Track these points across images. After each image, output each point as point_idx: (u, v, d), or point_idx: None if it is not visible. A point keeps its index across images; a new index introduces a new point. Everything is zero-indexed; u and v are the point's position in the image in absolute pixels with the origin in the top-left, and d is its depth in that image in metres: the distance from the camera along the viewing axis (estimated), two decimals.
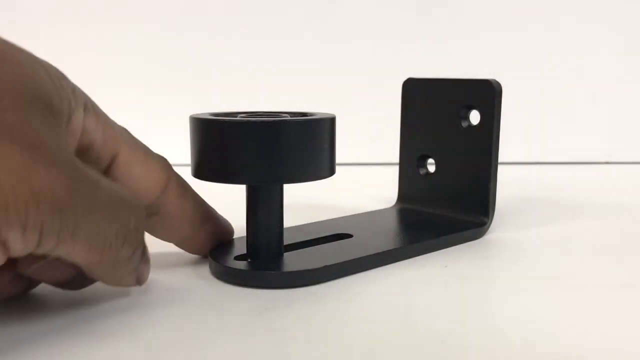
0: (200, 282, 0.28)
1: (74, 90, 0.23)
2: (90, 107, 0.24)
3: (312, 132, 0.27)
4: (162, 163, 0.27)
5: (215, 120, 0.27)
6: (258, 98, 0.64)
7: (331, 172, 0.29)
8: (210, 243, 0.30)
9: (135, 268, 0.24)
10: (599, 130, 0.67)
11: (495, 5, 0.65)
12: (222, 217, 0.31)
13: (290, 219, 0.32)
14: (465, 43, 0.65)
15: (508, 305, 0.26)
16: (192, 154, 0.28)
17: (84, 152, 0.24)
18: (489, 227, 0.36)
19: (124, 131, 0.26)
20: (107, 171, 0.25)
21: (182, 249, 0.30)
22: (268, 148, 0.26)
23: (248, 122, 0.26)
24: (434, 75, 0.38)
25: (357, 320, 0.24)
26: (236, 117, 0.28)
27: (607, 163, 0.67)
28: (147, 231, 0.26)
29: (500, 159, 0.36)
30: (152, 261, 0.25)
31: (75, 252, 0.20)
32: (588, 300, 0.26)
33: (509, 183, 0.46)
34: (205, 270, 0.29)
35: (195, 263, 0.30)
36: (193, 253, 0.31)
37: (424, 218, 0.37)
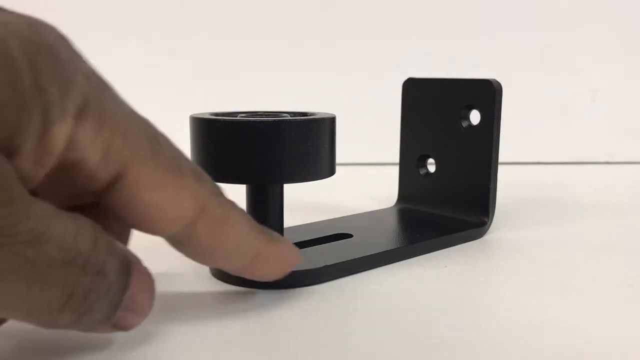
0: (199, 282, 0.28)
1: (69, 86, 0.17)
2: (92, 112, 0.17)
3: (312, 132, 0.27)
4: (195, 188, 0.20)
5: (215, 120, 0.27)
6: (258, 98, 0.64)
7: (331, 172, 0.29)
8: (270, 273, 0.24)
9: (105, 317, 0.18)
10: (599, 130, 0.67)
11: (495, 5, 0.65)
12: (283, 242, 0.24)
13: (290, 219, 0.32)
14: (465, 43, 0.65)
15: (508, 305, 0.26)
16: (192, 154, 0.28)
17: (70, 169, 0.18)
18: (489, 227, 0.36)
19: (148, 141, 0.19)
20: (107, 191, 0.19)
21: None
22: (268, 148, 0.26)
23: (248, 122, 0.26)
24: (434, 75, 0.38)
25: (357, 320, 0.24)
26: (236, 117, 0.28)
27: (607, 163, 0.67)
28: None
29: (500, 159, 0.36)
30: (151, 262, 0.25)
31: None
32: (588, 300, 0.26)
33: (509, 183, 0.46)
34: (205, 270, 0.29)
35: (195, 263, 0.30)
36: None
37: (424, 218, 0.37)
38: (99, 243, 0.18)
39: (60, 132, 0.17)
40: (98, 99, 0.18)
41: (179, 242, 0.21)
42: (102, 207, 0.19)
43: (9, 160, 0.16)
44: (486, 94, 0.35)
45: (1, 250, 0.15)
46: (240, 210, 0.22)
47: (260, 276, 0.24)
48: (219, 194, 0.21)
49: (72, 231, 0.17)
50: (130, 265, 0.19)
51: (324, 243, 0.32)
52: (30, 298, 0.16)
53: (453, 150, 0.37)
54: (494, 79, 0.35)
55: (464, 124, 0.37)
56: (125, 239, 0.22)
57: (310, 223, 0.36)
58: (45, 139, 0.16)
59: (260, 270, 0.23)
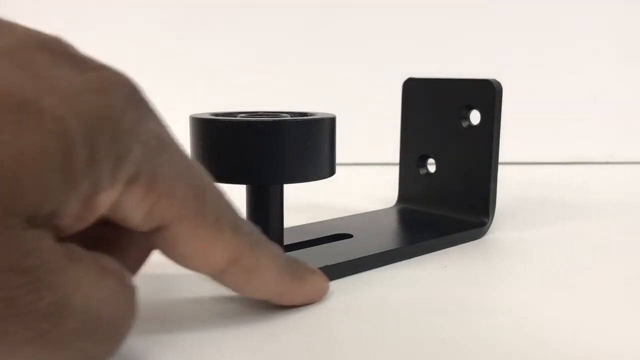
0: (200, 282, 0.28)
1: (124, 158, 0.17)
2: (143, 179, 0.18)
3: (312, 132, 0.27)
4: (231, 242, 0.21)
5: (215, 120, 0.27)
6: (258, 98, 0.64)
7: (331, 172, 0.29)
8: (296, 304, 0.25)
9: None
10: (600, 130, 0.67)
11: (495, 5, 0.65)
12: (311, 279, 0.25)
13: (290, 219, 0.32)
14: (465, 43, 0.65)
15: (508, 305, 0.26)
16: (192, 154, 0.28)
17: (112, 222, 0.19)
18: (489, 227, 0.36)
19: (193, 201, 0.20)
20: (146, 234, 0.20)
21: None
22: (268, 148, 0.26)
23: (248, 122, 0.26)
24: (434, 75, 0.38)
25: (357, 320, 0.24)
26: (236, 117, 0.28)
27: (607, 163, 0.67)
28: None
29: (500, 159, 0.36)
30: (151, 261, 0.25)
31: None
32: (588, 300, 0.26)
33: (509, 183, 0.46)
34: None
35: None
36: None
37: (424, 218, 0.37)
38: (126, 304, 0.18)
39: (107, 198, 0.17)
40: (152, 165, 0.18)
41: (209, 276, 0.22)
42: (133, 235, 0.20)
43: (50, 220, 0.16)
44: (486, 94, 0.35)
45: (16, 323, 0.15)
46: (273, 256, 0.23)
47: (287, 305, 0.25)
48: (255, 243, 0.22)
49: (96, 298, 0.17)
50: None
51: (324, 243, 0.32)
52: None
53: (453, 150, 0.37)
54: (494, 79, 0.35)
55: (464, 124, 0.37)
56: (142, 261, 0.23)
57: (310, 223, 0.36)
58: (90, 202, 0.17)
59: (285, 303, 0.25)
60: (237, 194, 0.31)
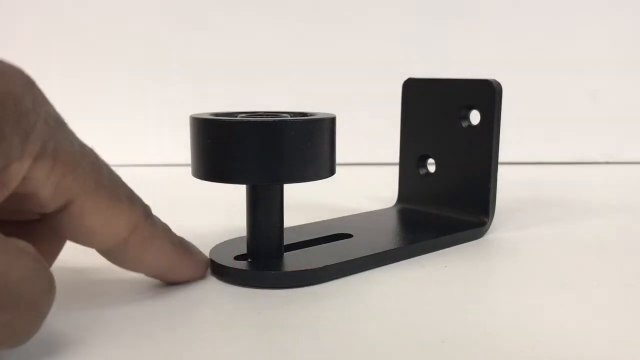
0: (200, 282, 0.28)
1: (30, 133, 0.19)
2: (49, 153, 0.20)
3: (312, 132, 0.27)
4: (129, 212, 0.23)
5: (215, 120, 0.27)
6: (258, 98, 0.64)
7: (331, 172, 0.29)
8: (181, 280, 0.27)
9: None
10: (599, 130, 0.67)
11: (495, 4, 0.65)
12: (194, 248, 0.28)
13: (290, 219, 0.32)
14: (465, 43, 0.65)
15: (508, 305, 0.26)
16: (192, 154, 0.28)
17: (22, 198, 0.21)
18: (489, 227, 0.36)
19: (92, 175, 0.22)
20: (54, 214, 0.22)
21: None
22: (268, 148, 0.26)
23: (248, 122, 0.26)
24: (434, 75, 0.38)
25: (357, 320, 0.24)
26: (236, 117, 0.28)
27: (607, 163, 0.67)
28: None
29: (500, 159, 0.36)
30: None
31: None
32: (588, 300, 0.26)
33: (509, 183, 0.46)
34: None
35: None
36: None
37: (424, 218, 0.37)
38: (43, 283, 0.19)
39: (17, 170, 0.19)
40: (54, 142, 0.20)
41: (108, 252, 0.24)
42: (42, 224, 0.23)
43: None
44: (486, 94, 0.35)
45: None
46: (164, 228, 0.25)
47: (174, 280, 0.27)
48: (149, 215, 0.24)
49: (15, 275, 0.18)
50: None
51: (324, 243, 0.32)
52: None
53: (453, 150, 0.37)
54: (494, 79, 0.35)
55: (464, 124, 0.37)
56: (55, 254, 0.25)
57: (310, 223, 0.36)
58: (3, 175, 0.19)
59: (174, 277, 0.27)
60: (237, 194, 0.31)
